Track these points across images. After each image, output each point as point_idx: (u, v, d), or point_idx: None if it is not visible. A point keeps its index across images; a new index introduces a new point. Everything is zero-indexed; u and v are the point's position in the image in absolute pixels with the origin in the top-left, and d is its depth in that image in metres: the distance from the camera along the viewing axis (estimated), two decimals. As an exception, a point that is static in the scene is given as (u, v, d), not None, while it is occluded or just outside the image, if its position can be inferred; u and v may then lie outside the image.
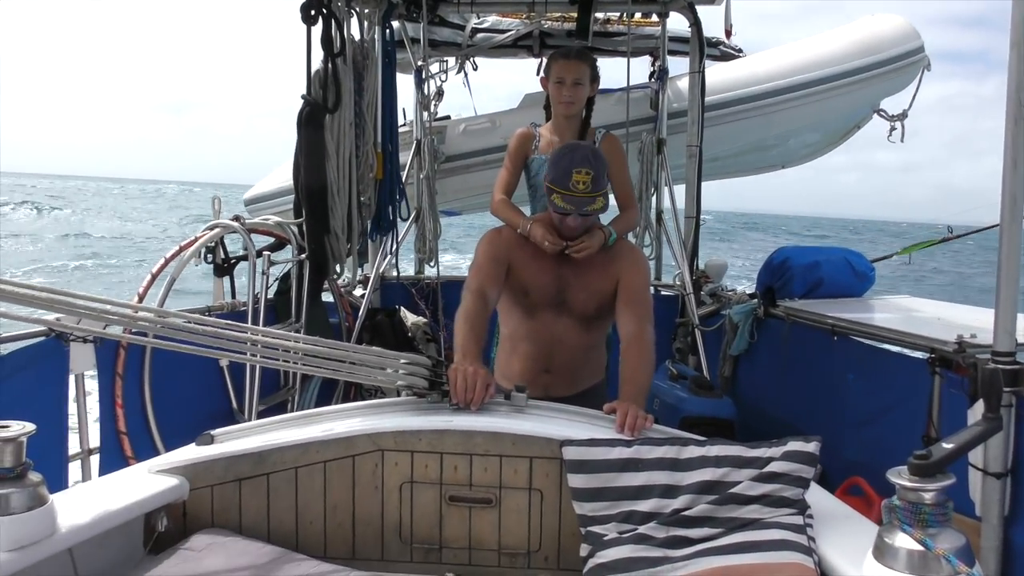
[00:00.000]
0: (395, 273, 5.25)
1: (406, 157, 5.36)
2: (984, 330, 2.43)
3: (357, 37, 4.32)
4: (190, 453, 2.06)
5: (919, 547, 1.53)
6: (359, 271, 5.23)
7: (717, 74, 5.59)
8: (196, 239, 3.62)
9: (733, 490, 1.90)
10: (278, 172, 6.32)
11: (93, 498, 1.82)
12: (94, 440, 3.16)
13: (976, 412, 2.32)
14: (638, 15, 5.53)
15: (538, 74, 3.47)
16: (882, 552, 1.58)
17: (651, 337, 2.72)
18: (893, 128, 5.78)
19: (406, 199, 4.91)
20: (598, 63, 3.61)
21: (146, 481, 1.95)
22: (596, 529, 1.95)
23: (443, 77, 5.97)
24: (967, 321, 3.14)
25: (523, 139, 3.58)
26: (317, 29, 3.95)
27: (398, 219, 4.86)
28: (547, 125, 3.61)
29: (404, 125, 5.71)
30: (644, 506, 1.94)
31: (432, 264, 5.41)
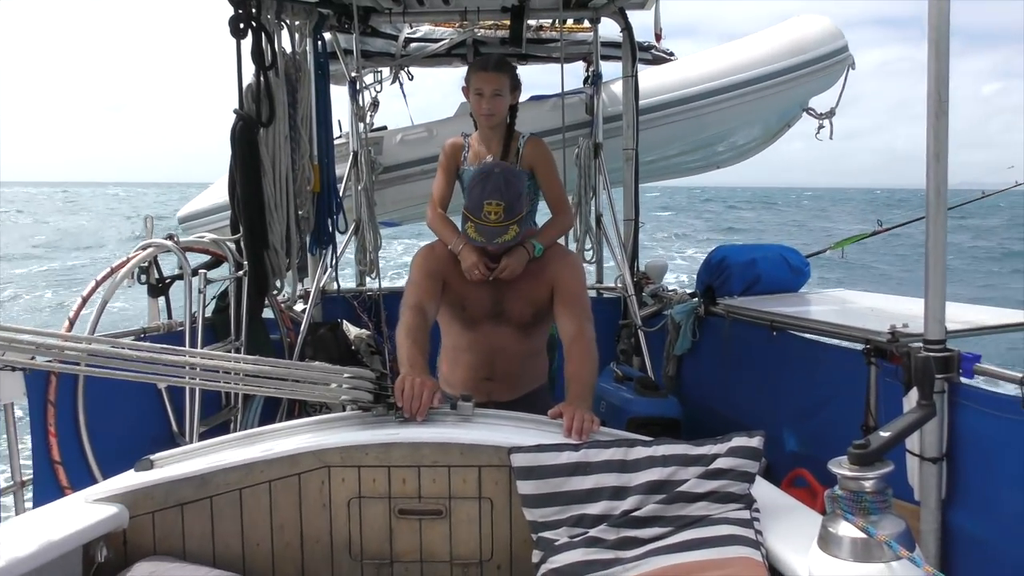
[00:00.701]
0: (335, 286, 5.19)
1: (343, 169, 5.31)
2: (916, 319, 2.50)
3: (289, 50, 4.26)
4: (129, 480, 2.00)
5: (862, 534, 1.56)
6: (299, 286, 5.16)
7: (650, 78, 5.66)
8: (128, 259, 3.53)
9: (681, 488, 1.93)
10: (212, 189, 6.21)
11: (27, 531, 1.76)
12: (27, 472, 3.05)
13: (911, 400, 2.38)
14: (570, 21, 5.57)
15: None
16: (827, 541, 1.61)
17: (591, 335, 2.74)
18: (821, 126, 5.94)
19: (343, 211, 4.86)
20: (520, 71, 3.67)
21: (83, 511, 1.89)
22: (547, 535, 1.95)
23: (378, 88, 5.93)
24: (900, 311, 3.23)
25: (453, 150, 3.59)
26: (247, 42, 3.90)
27: (336, 232, 4.81)
28: (475, 134, 3.63)
29: (340, 137, 5.66)
30: (594, 509, 1.95)
31: (373, 276, 5.37)
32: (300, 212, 4.36)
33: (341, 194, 5.21)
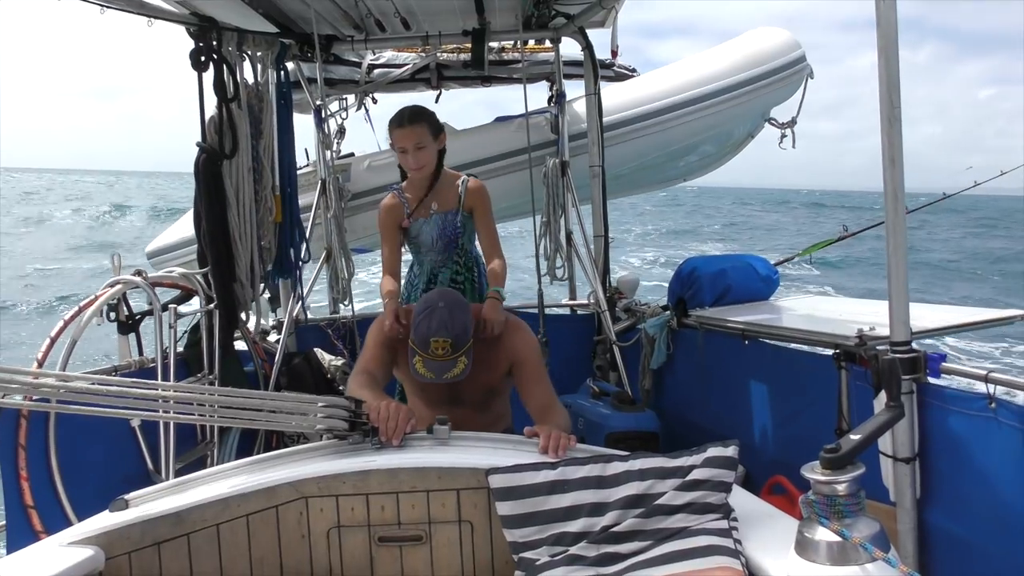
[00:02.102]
0: (308, 316, 5.17)
1: (311, 197, 5.30)
2: (884, 322, 2.54)
3: (251, 80, 4.26)
4: (104, 521, 1.98)
5: (837, 538, 1.59)
6: (272, 316, 5.13)
7: (614, 95, 5.73)
8: (96, 297, 3.50)
9: (659, 501, 1.94)
10: (180, 223, 6.18)
11: None
12: None
13: (881, 402, 2.41)
14: (532, 42, 5.63)
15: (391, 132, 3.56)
16: (804, 546, 1.63)
17: (558, 401, 2.89)
18: (784, 135, 6.03)
19: (307, 241, 4.82)
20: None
21: (58, 555, 1.86)
22: (528, 555, 1.96)
23: (343, 115, 5.94)
24: (867, 314, 3.27)
25: (392, 211, 3.66)
26: (210, 74, 3.90)
27: (299, 261, 4.77)
28: (406, 184, 3.70)
29: (308, 165, 5.65)
30: (574, 527, 1.96)
31: (346, 303, 5.35)
32: (263, 243, 4.33)
33: (311, 222, 5.21)
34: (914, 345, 2.42)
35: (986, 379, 2.28)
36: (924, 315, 3.06)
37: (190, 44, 3.85)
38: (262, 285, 4.43)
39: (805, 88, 6.07)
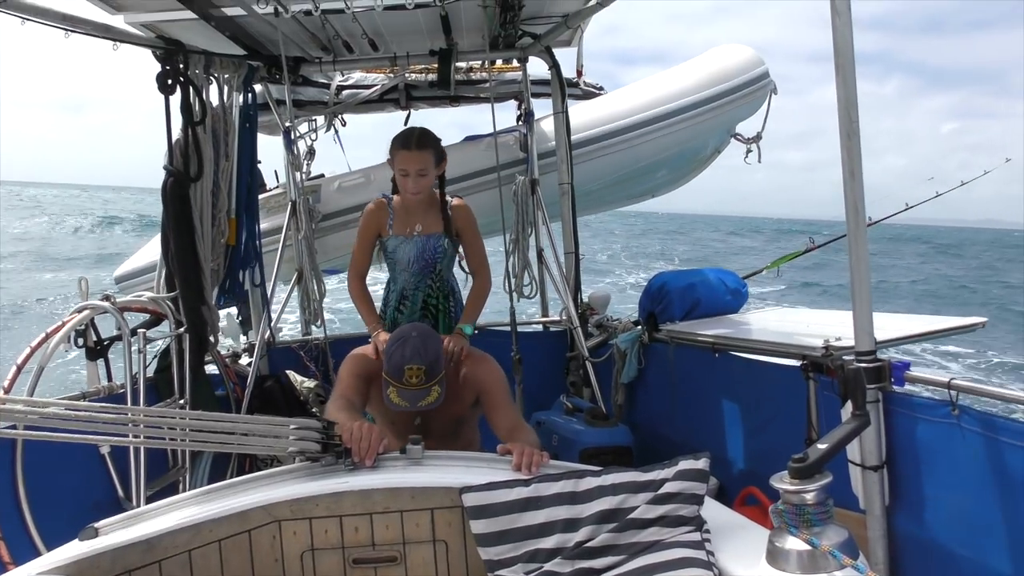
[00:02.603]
0: (280, 337, 5.14)
1: (282, 219, 5.29)
2: (850, 332, 2.58)
3: (216, 103, 4.25)
4: (73, 550, 1.95)
5: (807, 546, 1.61)
6: (244, 339, 5.09)
7: (582, 113, 5.78)
8: (64, 323, 3.46)
9: (631, 515, 1.95)
10: (148, 248, 6.13)
11: None
12: None
13: (848, 411, 2.45)
14: (500, 62, 5.68)
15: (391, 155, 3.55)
16: (774, 556, 1.65)
17: (524, 421, 2.94)
18: (749, 150, 6.11)
19: (261, 263, 4.75)
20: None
21: None
22: (503, 573, 1.96)
23: (313, 136, 5.94)
24: (833, 325, 3.32)
25: (376, 215, 3.65)
26: (176, 96, 3.89)
27: (253, 284, 4.69)
28: (397, 199, 3.67)
29: (278, 186, 5.64)
30: (548, 543, 1.96)
31: (318, 324, 5.33)
32: (212, 265, 4.27)
33: (281, 243, 5.19)
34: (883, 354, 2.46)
35: (948, 386, 2.33)
36: (888, 324, 3.11)
37: (157, 62, 3.83)
38: (235, 308, 4.38)
39: (769, 103, 6.17)
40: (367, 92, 5.79)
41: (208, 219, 4.10)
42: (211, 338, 4.16)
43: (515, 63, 5.53)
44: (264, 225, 4.94)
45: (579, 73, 5.92)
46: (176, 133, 3.94)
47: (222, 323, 4.54)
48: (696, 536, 1.92)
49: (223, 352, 4.59)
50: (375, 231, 3.67)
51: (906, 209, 5.87)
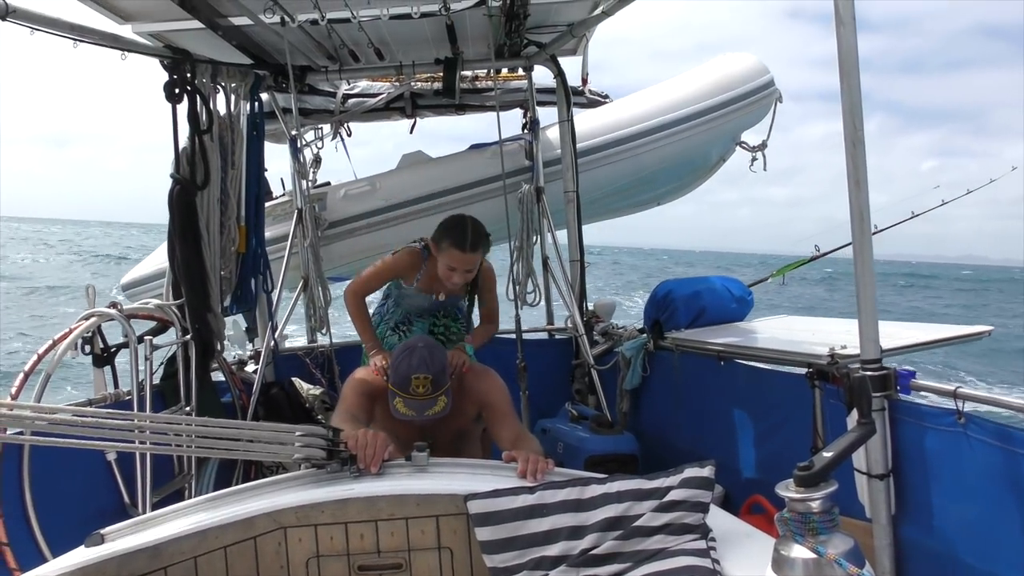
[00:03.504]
0: (286, 344, 5.15)
1: (288, 227, 5.31)
2: (855, 341, 2.58)
3: (223, 112, 4.27)
4: (79, 556, 1.95)
5: (812, 555, 1.60)
6: (249, 346, 5.10)
7: (587, 121, 5.80)
8: (71, 330, 3.46)
9: (636, 523, 1.95)
10: (154, 255, 6.15)
11: None
12: None
13: (854, 419, 2.44)
14: (505, 70, 5.69)
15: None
16: (780, 565, 1.64)
17: (528, 432, 2.98)
18: (755, 158, 6.12)
19: (270, 271, 4.78)
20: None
21: None
22: (508, 580, 1.96)
23: (319, 144, 5.97)
24: (839, 333, 3.32)
25: (406, 266, 3.63)
26: (184, 106, 3.91)
27: (262, 291, 4.72)
28: (433, 264, 3.57)
29: (284, 194, 5.66)
30: (553, 550, 1.96)
31: (324, 332, 5.34)
32: (223, 273, 4.30)
33: (287, 251, 5.20)
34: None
35: (955, 395, 2.32)
36: (894, 333, 3.11)
37: (153, 84, 3.87)
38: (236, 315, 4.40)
39: (774, 112, 6.17)
40: (373, 101, 5.80)
41: (215, 227, 4.12)
42: (217, 346, 4.18)
43: (520, 72, 5.54)
44: (270, 233, 4.97)
45: (584, 81, 5.93)
46: (183, 142, 3.96)
47: (228, 331, 4.56)
48: (701, 544, 1.91)
49: (229, 360, 4.60)
50: (400, 275, 3.67)
51: (911, 218, 5.87)
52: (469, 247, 3.39)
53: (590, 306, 5.21)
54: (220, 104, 4.22)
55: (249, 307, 4.68)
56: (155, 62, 3.88)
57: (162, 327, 3.92)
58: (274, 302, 4.92)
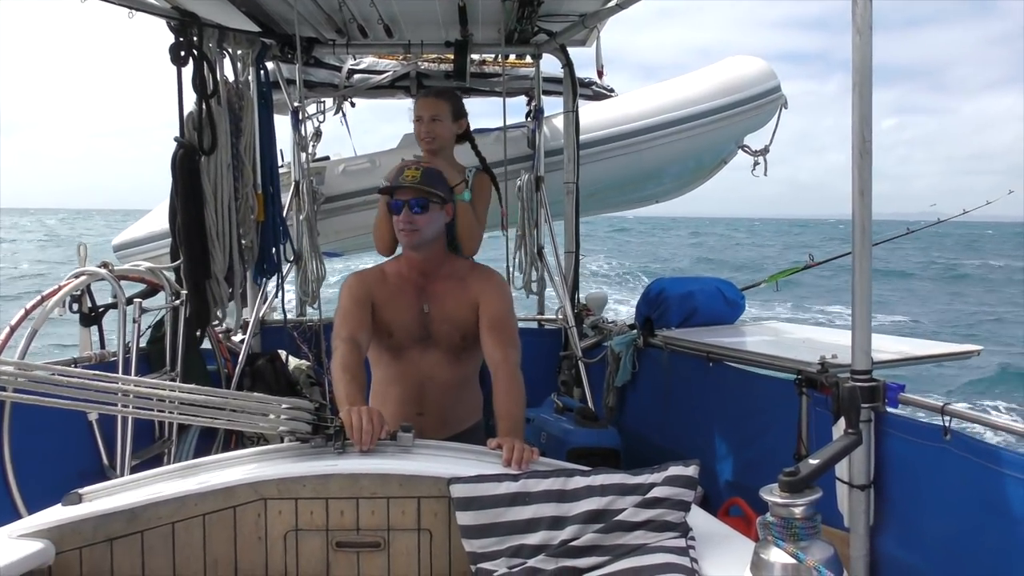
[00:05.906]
0: (279, 316, 5.13)
1: (285, 198, 5.28)
2: (846, 350, 2.59)
3: (231, 78, 4.25)
4: (55, 514, 1.94)
5: (792, 560, 1.60)
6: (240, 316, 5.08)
7: (591, 113, 5.78)
8: (60, 287, 3.44)
9: (618, 517, 1.95)
10: (150, 217, 6.11)
11: None
12: None
13: (840, 428, 2.45)
14: (513, 57, 5.67)
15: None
16: (759, 568, 1.64)
17: (516, 361, 2.75)
18: (756, 163, 6.12)
19: (291, 240, 4.82)
20: (470, 100, 3.72)
21: (7, 547, 1.82)
22: (486, 566, 1.95)
23: (320, 118, 5.93)
24: (830, 342, 3.33)
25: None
26: (188, 69, 3.88)
27: (283, 261, 4.77)
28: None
29: (283, 167, 5.63)
30: (533, 539, 1.96)
31: (314, 306, 5.32)
32: (244, 241, 4.31)
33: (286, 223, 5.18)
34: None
35: (942, 411, 2.33)
36: (885, 346, 3.12)
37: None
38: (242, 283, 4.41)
39: (779, 117, 6.18)
40: (378, 78, 5.77)
41: (224, 193, 4.10)
42: (218, 313, 4.18)
43: (528, 59, 5.52)
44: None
45: (600, 74, 5.90)
46: (188, 107, 3.94)
47: None
48: (681, 542, 1.91)
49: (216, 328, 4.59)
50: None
51: (907, 234, 5.88)
52: (432, 93, 3.58)
53: (582, 299, 5.20)
54: (227, 71, 4.20)
55: (272, 275, 4.74)
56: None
57: (152, 290, 3.90)
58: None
